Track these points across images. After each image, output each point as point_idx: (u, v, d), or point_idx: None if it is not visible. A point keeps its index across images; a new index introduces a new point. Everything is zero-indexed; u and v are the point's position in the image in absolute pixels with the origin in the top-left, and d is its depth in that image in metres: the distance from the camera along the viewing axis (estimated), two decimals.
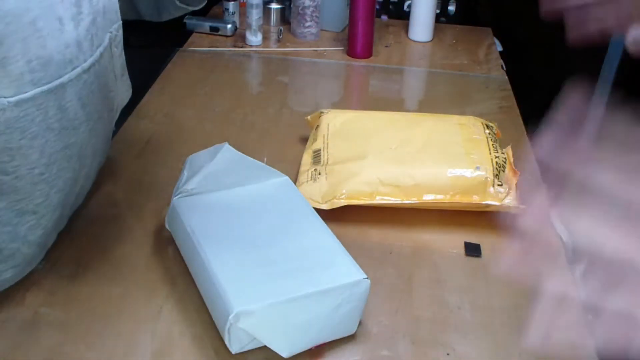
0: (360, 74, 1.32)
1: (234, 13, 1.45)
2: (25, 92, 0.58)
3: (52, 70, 0.61)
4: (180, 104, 1.11)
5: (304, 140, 0.98)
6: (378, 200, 0.82)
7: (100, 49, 0.71)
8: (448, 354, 0.65)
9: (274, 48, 1.37)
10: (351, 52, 1.34)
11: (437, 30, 1.46)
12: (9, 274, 0.66)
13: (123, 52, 0.78)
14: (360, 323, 0.66)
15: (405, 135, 0.89)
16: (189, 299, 0.69)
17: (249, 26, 1.35)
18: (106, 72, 0.73)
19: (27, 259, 0.68)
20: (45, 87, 0.60)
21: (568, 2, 0.47)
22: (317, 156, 0.89)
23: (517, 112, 1.14)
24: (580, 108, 0.42)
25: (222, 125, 1.05)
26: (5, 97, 0.57)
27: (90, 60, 0.68)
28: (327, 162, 0.86)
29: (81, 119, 0.67)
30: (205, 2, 0.90)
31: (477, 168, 0.82)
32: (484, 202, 0.82)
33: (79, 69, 0.65)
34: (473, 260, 0.78)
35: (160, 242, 0.77)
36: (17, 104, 0.58)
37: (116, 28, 0.75)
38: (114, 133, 0.99)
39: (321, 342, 0.63)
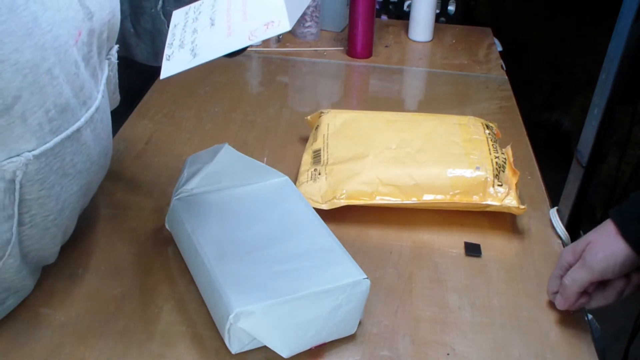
0: (360, 74, 1.32)
1: None
2: (46, 143, 0.56)
3: (69, 116, 0.58)
4: (180, 104, 1.11)
5: (304, 140, 0.98)
6: (378, 200, 0.82)
7: (103, 80, 0.68)
8: (448, 354, 0.65)
9: (274, 48, 1.37)
10: (351, 52, 1.34)
11: (437, 30, 1.46)
12: (11, 301, 0.66)
13: (117, 73, 0.75)
14: (360, 323, 0.66)
15: (405, 136, 0.89)
16: (189, 299, 0.69)
17: None
18: (107, 101, 0.71)
19: (26, 285, 0.67)
20: (63, 135, 0.58)
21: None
22: (317, 156, 0.89)
23: (517, 112, 1.14)
24: None
25: (222, 125, 1.05)
26: (29, 151, 0.54)
27: (99, 97, 0.65)
28: (327, 162, 0.86)
29: (93, 159, 0.66)
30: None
31: (477, 168, 0.82)
32: (484, 202, 0.81)
33: (92, 109, 0.63)
34: (473, 260, 0.78)
35: (160, 242, 0.77)
36: (38, 156, 0.56)
37: (113, 53, 0.72)
38: (114, 133, 0.99)
39: (321, 342, 0.63)
